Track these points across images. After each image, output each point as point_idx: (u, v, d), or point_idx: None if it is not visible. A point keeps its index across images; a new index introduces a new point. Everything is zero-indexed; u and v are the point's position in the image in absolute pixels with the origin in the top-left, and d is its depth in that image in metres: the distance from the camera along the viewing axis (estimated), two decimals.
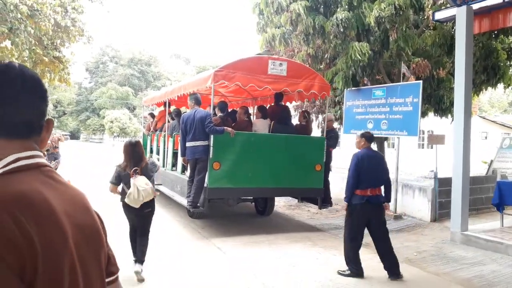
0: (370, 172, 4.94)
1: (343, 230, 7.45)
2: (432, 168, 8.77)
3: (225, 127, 6.70)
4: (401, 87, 8.33)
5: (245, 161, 6.84)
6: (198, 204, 6.67)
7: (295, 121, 8.89)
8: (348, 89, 9.38)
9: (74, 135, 74.05)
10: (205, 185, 6.59)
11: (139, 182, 4.42)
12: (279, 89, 7.54)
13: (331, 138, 7.90)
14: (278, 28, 9.41)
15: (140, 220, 4.70)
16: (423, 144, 21.11)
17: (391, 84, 8.83)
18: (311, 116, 12.02)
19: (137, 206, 4.46)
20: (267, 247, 6.16)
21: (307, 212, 9.34)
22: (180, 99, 8.91)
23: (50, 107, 38.72)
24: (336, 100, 10.76)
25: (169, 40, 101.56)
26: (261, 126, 7.55)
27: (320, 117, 11.91)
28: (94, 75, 66.14)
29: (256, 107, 8.72)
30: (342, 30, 8.28)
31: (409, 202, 8.45)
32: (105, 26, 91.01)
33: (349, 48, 8.31)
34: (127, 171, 4.55)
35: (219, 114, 7.41)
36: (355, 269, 4.89)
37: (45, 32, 9.93)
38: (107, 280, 1.03)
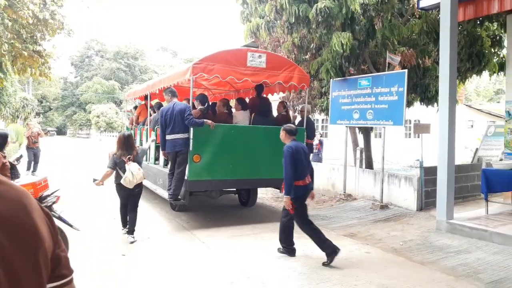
0: (302, 162, 5.18)
1: (331, 221, 7.53)
2: (418, 157, 8.75)
3: (205, 120, 6.69)
4: (386, 76, 8.27)
5: (226, 153, 6.89)
6: (179, 197, 6.68)
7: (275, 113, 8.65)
8: (334, 79, 9.31)
9: (60, 131, 72.97)
10: (185, 177, 6.60)
11: (133, 168, 5.58)
12: (258, 81, 7.48)
13: (309, 129, 7.93)
14: (263, 18, 9.28)
15: (131, 198, 5.86)
16: (409, 134, 21.21)
17: (376, 73, 8.77)
18: (296, 107, 11.97)
19: (131, 187, 5.62)
20: (252, 240, 6.09)
21: None
22: (162, 92, 8.74)
23: (35, 102, 38.14)
24: (323, 91, 10.69)
25: (156, 33, 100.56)
26: (241, 118, 7.56)
27: None
28: (79, 69, 65.19)
29: (235, 99, 8.73)
30: (322, 19, 8.18)
31: (395, 191, 8.45)
32: (90, 20, 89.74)
33: (332, 38, 8.22)
34: (122, 158, 5.65)
35: (199, 106, 7.35)
36: (330, 250, 5.01)
37: (24, 25, 9.66)
38: (56, 283, 0.95)
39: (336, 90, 9.41)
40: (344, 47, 7.85)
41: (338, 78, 9.20)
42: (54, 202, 4.73)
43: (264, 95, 8.40)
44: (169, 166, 7.29)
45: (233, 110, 8.05)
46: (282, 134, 5.43)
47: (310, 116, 8.39)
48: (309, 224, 5.23)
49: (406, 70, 7.96)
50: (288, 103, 11.54)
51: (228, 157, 6.92)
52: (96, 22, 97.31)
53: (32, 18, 9.82)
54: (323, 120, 18.74)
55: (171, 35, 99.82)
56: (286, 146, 5.25)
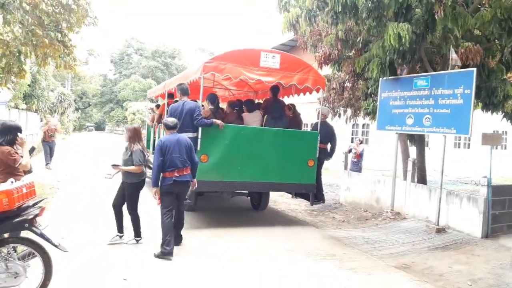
0: (175, 155, 5.29)
1: (377, 245, 6.31)
2: (472, 171, 7.37)
3: (214, 120, 6.57)
4: (449, 75, 6.97)
5: (235, 155, 6.75)
6: (186, 197, 6.24)
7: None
8: (384, 78, 8.06)
9: (99, 127, 74.46)
10: None
11: None
12: (271, 82, 7.31)
13: (326, 133, 7.69)
14: (303, 7, 8.15)
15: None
16: (459, 144, 19.42)
17: (436, 72, 7.45)
18: (336, 110, 10.76)
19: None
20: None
21: (332, 220, 8.10)
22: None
23: (72, 97, 38.58)
24: (369, 92, 9.42)
25: (195, 34, 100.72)
26: (251, 119, 7.41)
27: (349, 110, 10.59)
28: (118, 66, 66.00)
29: (243, 101, 8.38)
30: (373, 6, 7.00)
31: (455, 213, 7.11)
32: (130, 19, 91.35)
33: (386, 30, 6.98)
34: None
35: (209, 106, 7.16)
36: (167, 250, 5.07)
37: (48, 12, 8.96)
38: None
39: (386, 91, 8.16)
40: (403, 40, 6.59)
41: (390, 77, 7.95)
42: (36, 215, 3.81)
43: (279, 97, 8.07)
44: None
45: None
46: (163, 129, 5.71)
47: (327, 120, 7.97)
48: (169, 218, 5.30)
49: (474, 69, 6.67)
50: (328, 104, 10.35)
51: (237, 158, 6.76)
52: (136, 22, 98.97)
53: (53, 6, 9.13)
54: (364, 125, 17.32)
55: (209, 37, 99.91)
56: (158, 140, 5.73)
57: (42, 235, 3.75)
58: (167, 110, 8.63)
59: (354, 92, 9.90)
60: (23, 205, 3.79)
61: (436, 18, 7.00)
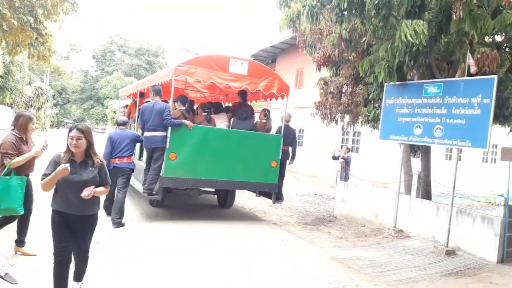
0: (118, 146, 6.63)
1: (383, 269, 5.56)
2: (491, 188, 6.75)
3: (183, 120, 6.98)
4: (466, 83, 6.35)
5: (202, 154, 7.15)
6: (154, 192, 7.00)
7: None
8: (390, 83, 7.41)
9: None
10: (161, 174, 6.86)
11: None
12: (239, 87, 7.73)
13: (286, 136, 8.08)
14: (305, 2, 7.44)
15: None
16: (451, 155, 19.03)
17: (451, 78, 6.83)
18: (334, 115, 10.09)
19: None
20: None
21: (328, 236, 7.37)
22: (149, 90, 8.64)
23: (50, 92, 37.15)
24: (369, 98, 8.77)
25: (182, 30, 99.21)
26: (218, 121, 7.89)
27: (347, 116, 9.92)
28: (100, 63, 64.40)
29: (212, 103, 9.10)
30: (382, 3, 6.38)
31: (466, 233, 6.47)
32: (115, 16, 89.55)
33: (401, 27, 6.31)
34: None
35: (180, 107, 7.48)
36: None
37: None
38: None
39: (391, 97, 7.51)
40: (420, 36, 5.92)
41: (396, 83, 7.31)
42: None
43: (246, 101, 8.52)
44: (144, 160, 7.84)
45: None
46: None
47: (289, 124, 8.43)
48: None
49: (495, 76, 6.06)
50: (325, 110, 9.68)
51: (204, 157, 7.16)
52: (120, 19, 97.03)
53: None
54: (355, 133, 16.73)
55: (194, 37, 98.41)
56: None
57: None
58: (139, 109, 8.91)
59: (353, 97, 9.25)
60: None
61: (453, 18, 6.38)
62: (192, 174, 7.06)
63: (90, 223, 3.46)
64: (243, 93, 8.20)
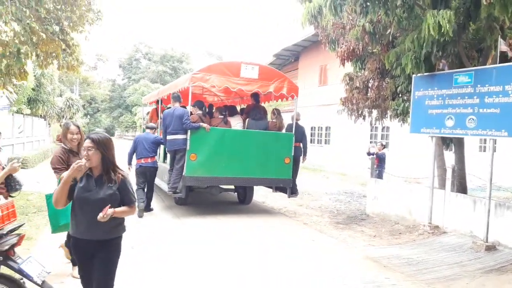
0: (140, 147, 7.80)
1: (420, 267, 5.37)
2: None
3: (200, 124, 7.54)
4: (498, 70, 6.07)
5: (220, 153, 7.69)
6: (178, 190, 7.65)
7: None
8: (418, 75, 7.19)
9: (108, 132, 74.12)
10: (183, 173, 7.48)
11: None
12: (251, 90, 8.32)
13: (297, 133, 8.52)
14: None
15: None
16: (485, 147, 18.35)
17: (482, 67, 6.55)
18: (360, 110, 9.87)
19: None
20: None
21: (361, 234, 7.21)
22: (169, 97, 9.30)
23: (80, 102, 38.17)
24: (397, 91, 8.53)
25: (202, 40, 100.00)
26: (233, 122, 8.41)
27: (375, 111, 9.70)
28: (127, 71, 65.72)
29: (227, 106, 9.49)
30: None
31: (506, 227, 6.18)
32: (139, 24, 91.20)
33: (427, 17, 6.10)
34: None
35: (197, 112, 7.95)
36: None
37: (44, 7, 8.22)
38: None
39: (420, 89, 7.27)
40: (444, 29, 5.70)
41: (424, 74, 7.07)
42: (14, 245, 3.02)
43: (259, 102, 9.07)
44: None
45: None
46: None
47: (299, 122, 8.86)
48: (141, 188, 7.83)
49: None
50: (351, 105, 9.48)
51: (221, 157, 7.70)
52: (144, 27, 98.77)
53: (54, 2, 8.41)
54: (384, 128, 16.36)
55: (217, 41, 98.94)
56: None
57: (20, 271, 2.96)
58: (160, 116, 9.67)
59: (380, 91, 9.02)
60: None
61: (482, 4, 6.11)
62: (211, 172, 7.60)
63: (108, 249, 2.86)
64: (255, 95, 8.75)
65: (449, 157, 8.75)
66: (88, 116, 58.65)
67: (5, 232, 3.06)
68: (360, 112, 9.58)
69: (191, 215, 7.94)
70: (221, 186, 8.50)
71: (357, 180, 14.98)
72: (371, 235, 7.18)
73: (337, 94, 11.31)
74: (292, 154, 8.27)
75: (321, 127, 21.03)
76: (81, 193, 2.77)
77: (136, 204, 3.08)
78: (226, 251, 5.68)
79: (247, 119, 8.50)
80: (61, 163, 4.01)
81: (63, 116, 32.84)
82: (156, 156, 8.05)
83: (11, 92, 14.02)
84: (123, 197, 2.88)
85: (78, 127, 4.25)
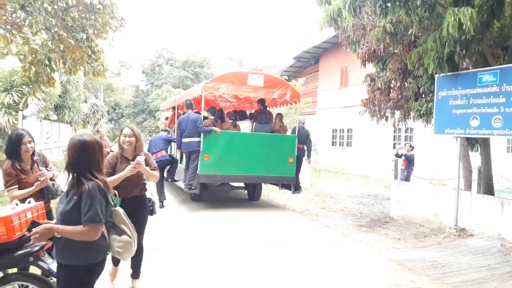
0: (152, 144, 8.77)
1: (446, 269, 5.26)
2: None
3: (212, 127, 8.48)
4: None
5: (230, 154, 8.59)
6: (193, 187, 8.46)
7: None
8: (441, 75, 7.07)
9: None
10: (197, 172, 8.32)
11: None
12: (257, 97, 9.36)
13: (302, 135, 9.48)
14: None
15: None
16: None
17: (509, 65, 6.39)
18: (383, 112, 9.76)
19: None
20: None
21: (385, 237, 7.12)
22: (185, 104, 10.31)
23: (105, 108, 38.99)
24: (420, 91, 8.40)
25: (223, 43, 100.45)
26: (242, 126, 9.42)
27: (397, 112, 9.57)
28: (150, 77, 66.75)
29: (236, 111, 10.79)
30: None
31: None
32: (160, 30, 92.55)
33: (447, 16, 6.01)
34: None
35: (210, 117, 8.99)
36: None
37: (70, 16, 8.47)
38: None
39: (444, 89, 7.15)
40: (466, 27, 5.59)
41: (447, 74, 6.95)
42: (44, 246, 3.12)
43: (265, 107, 10.02)
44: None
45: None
46: None
47: (303, 125, 9.70)
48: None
49: None
50: (373, 107, 9.39)
51: (231, 157, 8.60)
52: (166, 32, 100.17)
53: (79, 11, 8.64)
54: (407, 129, 16.11)
55: (237, 45, 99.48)
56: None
57: (50, 271, 3.05)
58: (176, 121, 10.20)
59: (402, 92, 8.92)
60: (27, 234, 3.11)
61: (506, 1, 5.98)
62: (222, 171, 8.46)
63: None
64: (262, 101, 9.70)
65: (475, 158, 8.55)
66: (113, 122, 59.73)
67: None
68: (382, 113, 9.48)
69: (212, 210, 8.75)
70: (232, 184, 9.31)
71: (380, 183, 14.79)
72: (395, 238, 7.08)
73: (359, 96, 11.25)
74: (296, 154, 9.07)
75: (343, 129, 20.85)
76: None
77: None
78: (249, 254, 5.71)
79: (254, 123, 9.44)
80: (107, 168, 3.79)
81: (88, 122, 33.59)
82: (164, 151, 8.81)
83: (39, 99, 14.47)
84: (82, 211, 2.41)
85: (132, 130, 4.09)
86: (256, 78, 8.94)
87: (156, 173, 4.03)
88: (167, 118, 13.47)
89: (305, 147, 9.62)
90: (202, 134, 8.27)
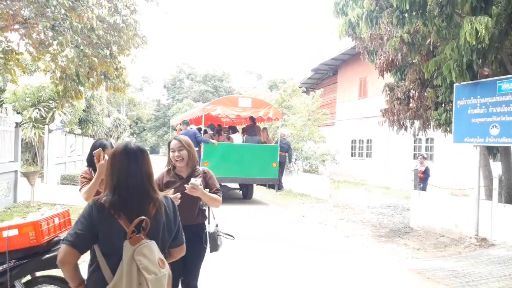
0: None
1: (467, 279, 5.21)
2: None
3: (210, 140, 11.11)
4: None
5: (225, 160, 10.99)
6: None
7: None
8: (459, 84, 7.05)
9: (154, 150, 76.50)
10: None
11: None
12: (246, 116, 12.33)
13: (284, 145, 13.17)
14: (362, 8, 7.37)
15: None
16: None
17: None
18: (402, 122, 9.74)
19: None
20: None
21: (405, 248, 7.06)
22: (191, 120, 13.43)
23: (127, 122, 39.79)
24: (439, 100, 8.37)
25: (241, 58, 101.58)
26: (235, 138, 12.08)
27: (417, 122, 9.52)
28: (171, 91, 67.89)
29: (228, 127, 13.74)
30: (446, 1, 6.16)
31: None
32: (180, 45, 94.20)
33: (464, 24, 6.03)
34: None
35: (210, 132, 11.81)
36: None
37: (96, 33, 8.82)
38: None
39: (462, 98, 7.13)
40: (481, 35, 5.62)
41: (465, 82, 6.93)
42: None
43: (254, 123, 12.91)
44: None
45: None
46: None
47: (285, 138, 13.95)
48: None
49: None
50: (393, 116, 9.36)
51: (226, 163, 10.97)
52: (187, 48, 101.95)
53: (104, 29, 8.99)
54: (428, 139, 15.94)
55: (257, 59, 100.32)
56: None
57: None
58: None
59: (421, 101, 8.89)
60: (55, 239, 3.27)
61: None
62: (219, 174, 9.30)
63: None
64: (252, 118, 12.56)
65: (496, 167, 8.43)
66: (135, 135, 60.87)
67: (61, 238, 3.33)
68: (401, 123, 9.45)
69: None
70: (228, 185, 11.82)
71: (400, 194, 14.62)
72: (414, 247, 7.02)
73: (378, 106, 11.22)
74: (278, 160, 11.73)
75: (362, 140, 20.75)
76: None
77: None
78: (270, 264, 5.77)
79: (245, 135, 11.99)
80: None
81: (111, 136, 34.32)
82: None
83: (65, 113, 14.96)
84: None
85: (180, 141, 3.21)
86: (245, 100, 11.88)
87: (219, 197, 3.18)
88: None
89: (287, 155, 13.10)
90: (202, 144, 10.68)
